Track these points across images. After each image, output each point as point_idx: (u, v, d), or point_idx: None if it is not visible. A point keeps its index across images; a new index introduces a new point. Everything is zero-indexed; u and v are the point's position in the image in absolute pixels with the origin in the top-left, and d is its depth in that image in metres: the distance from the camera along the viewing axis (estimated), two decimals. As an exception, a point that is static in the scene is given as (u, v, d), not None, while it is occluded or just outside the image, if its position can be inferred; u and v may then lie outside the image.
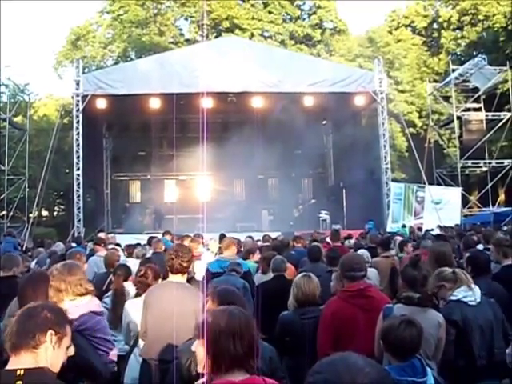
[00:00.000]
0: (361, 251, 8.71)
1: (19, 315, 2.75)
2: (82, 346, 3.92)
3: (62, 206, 42.15)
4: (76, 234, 20.84)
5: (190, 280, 6.43)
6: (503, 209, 27.90)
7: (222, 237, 12.82)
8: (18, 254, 9.12)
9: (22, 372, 2.60)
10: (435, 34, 44.62)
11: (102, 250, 10.01)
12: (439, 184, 28.39)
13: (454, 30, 41.99)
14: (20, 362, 2.65)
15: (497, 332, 4.83)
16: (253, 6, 44.06)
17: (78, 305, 4.16)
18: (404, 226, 20.91)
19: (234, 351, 2.59)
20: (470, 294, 4.83)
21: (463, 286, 4.85)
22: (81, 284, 4.27)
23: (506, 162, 29.73)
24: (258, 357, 2.68)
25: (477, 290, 4.85)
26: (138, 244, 11.48)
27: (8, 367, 2.67)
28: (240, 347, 2.60)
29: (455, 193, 24.93)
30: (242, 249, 10.76)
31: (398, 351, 3.73)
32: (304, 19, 46.64)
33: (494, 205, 29.51)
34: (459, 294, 4.86)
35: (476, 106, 30.76)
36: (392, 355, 3.77)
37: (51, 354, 2.71)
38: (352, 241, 13.21)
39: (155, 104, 23.34)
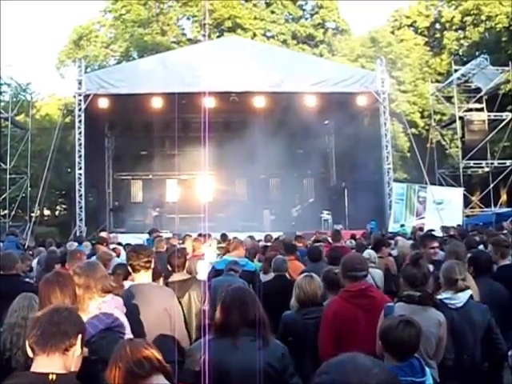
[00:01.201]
0: (367, 251, 8.70)
1: (50, 316, 2.76)
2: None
3: (64, 205, 42.14)
4: (78, 234, 20.85)
5: (191, 279, 6.43)
6: (505, 209, 27.87)
7: (224, 236, 12.88)
8: (20, 253, 9.12)
9: (55, 377, 2.62)
10: (437, 34, 44.58)
11: (104, 249, 10.00)
12: (441, 184, 28.34)
13: (456, 30, 41.93)
14: (50, 363, 2.66)
15: (473, 338, 4.85)
16: (255, 5, 44.14)
17: (107, 301, 4.19)
18: (403, 226, 20.91)
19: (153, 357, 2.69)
20: (454, 296, 4.85)
21: (455, 290, 4.88)
22: (107, 280, 4.34)
23: (508, 162, 29.67)
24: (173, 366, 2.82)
25: (464, 293, 4.86)
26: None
27: (37, 369, 2.67)
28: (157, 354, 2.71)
29: (457, 193, 24.92)
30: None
31: (396, 351, 3.73)
32: (306, 19, 46.69)
33: (495, 205, 29.45)
34: (445, 294, 4.88)
35: (478, 106, 30.71)
36: (391, 355, 3.77)
37: (77, 356, 2.76)
38: (353, 241, 13.18)
39: (157, 103, 23.32)
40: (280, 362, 3.79)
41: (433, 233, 13.76)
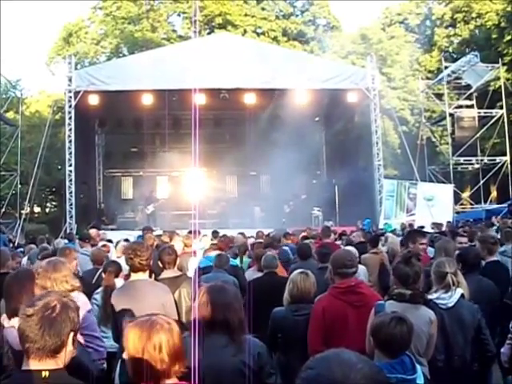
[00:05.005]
0: (348, 248, 8.73)
1: (41, 316, 2.66)
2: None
3: (54, 203, 42.00)
4: (68, 231, 20.77)
5: (182, 276, 6.42)
6: (495, 206, 27.99)
7: (215, 233, 12.90)
8: (10, 251, 9.05)
9: (47, 374, 2.59)
10: (428, 32, 44.70)
11: (87, 246, 9.92)
12: (431, 181, 28.42)
13: (446, 27, 42.02)
14: (42, 362, 2.64)
15: (463, 338, 4.85)
16: (246, 2, 44.06)
17: None
18: (386, 224, 20.95)
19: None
20: (444, 296, 4.86)
21: (446, 289, 4.88)
22: (66, 281, 4.22)
23: (497, 159, 29.82)
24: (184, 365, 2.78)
25: (455, 293, 4.87)
26: (126, 240, 11.46)
27: (30, 367, 2.64)
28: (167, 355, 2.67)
29: (447, 190, 24.96)
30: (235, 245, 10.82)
31: (388, 348, 3.73)
32: (297, 16, 46.74)
33: (485, 202, 29.60)
34: (435, 294, 4.88)
35: (468, 103, 30.84)
36: (382, 352, 3.76)
37: (69, 352, 2.72)
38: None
39: (147, 100, 23.26)
40: (256, 361, 3.73)
41: (423, 229, 13.81)
